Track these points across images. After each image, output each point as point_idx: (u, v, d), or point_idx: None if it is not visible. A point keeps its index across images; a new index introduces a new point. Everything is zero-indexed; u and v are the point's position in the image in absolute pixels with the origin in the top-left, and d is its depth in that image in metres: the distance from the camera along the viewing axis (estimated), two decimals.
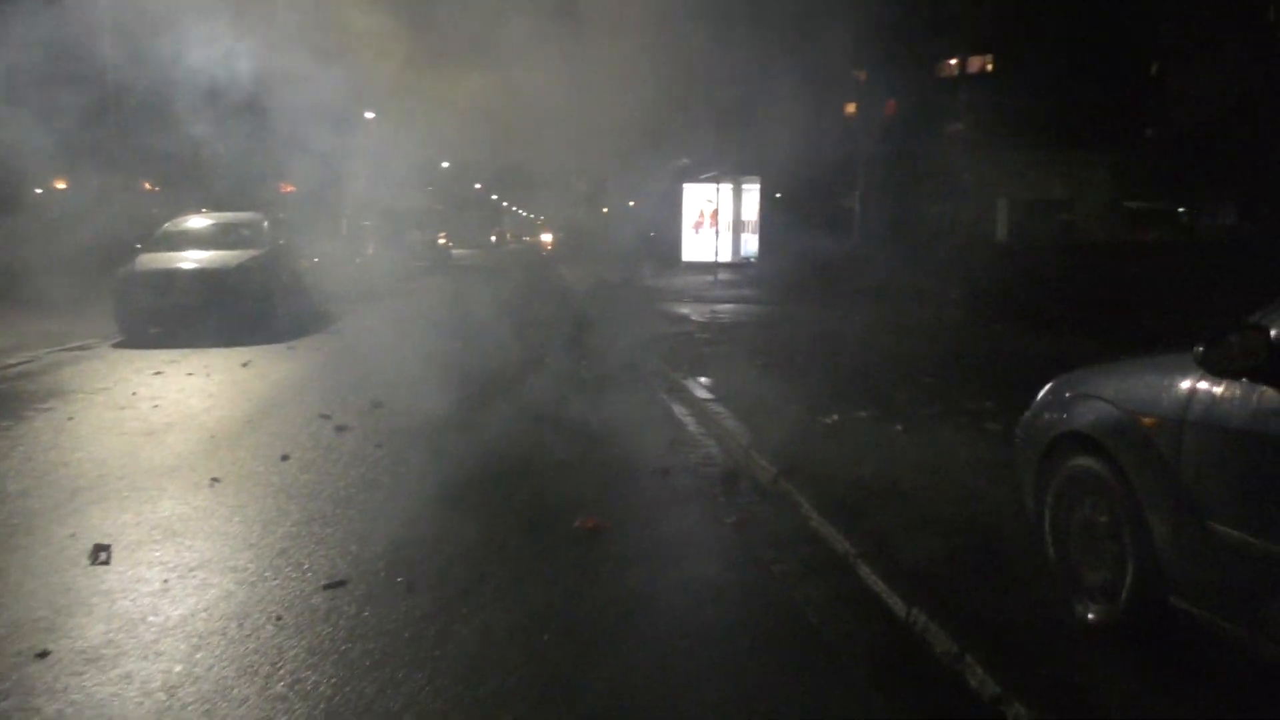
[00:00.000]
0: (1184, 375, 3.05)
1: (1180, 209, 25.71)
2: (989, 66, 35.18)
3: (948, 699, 3.18)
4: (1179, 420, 2.99)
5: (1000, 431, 6.65)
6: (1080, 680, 3.14)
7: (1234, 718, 2.95)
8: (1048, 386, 4.02)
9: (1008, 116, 22.66)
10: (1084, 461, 3.51)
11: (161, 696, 3.13)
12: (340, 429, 7.04)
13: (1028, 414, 4.12)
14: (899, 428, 6.90)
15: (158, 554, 4.45)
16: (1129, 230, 21.15)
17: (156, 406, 7.96)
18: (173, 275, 12.54)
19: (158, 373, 9.68)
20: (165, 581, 4.11)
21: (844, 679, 3.32)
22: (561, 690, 3.20)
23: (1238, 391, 2.79)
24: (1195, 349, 2.93)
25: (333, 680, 3.23)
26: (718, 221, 25.01)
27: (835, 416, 7.24)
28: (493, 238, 64.60)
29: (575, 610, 3.87)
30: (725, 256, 24.81)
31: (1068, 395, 3.77)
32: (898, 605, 3.85)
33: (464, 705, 3.09)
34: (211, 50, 11.50)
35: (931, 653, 3.49)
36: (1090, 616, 3.46)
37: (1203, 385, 2.95)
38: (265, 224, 14.27)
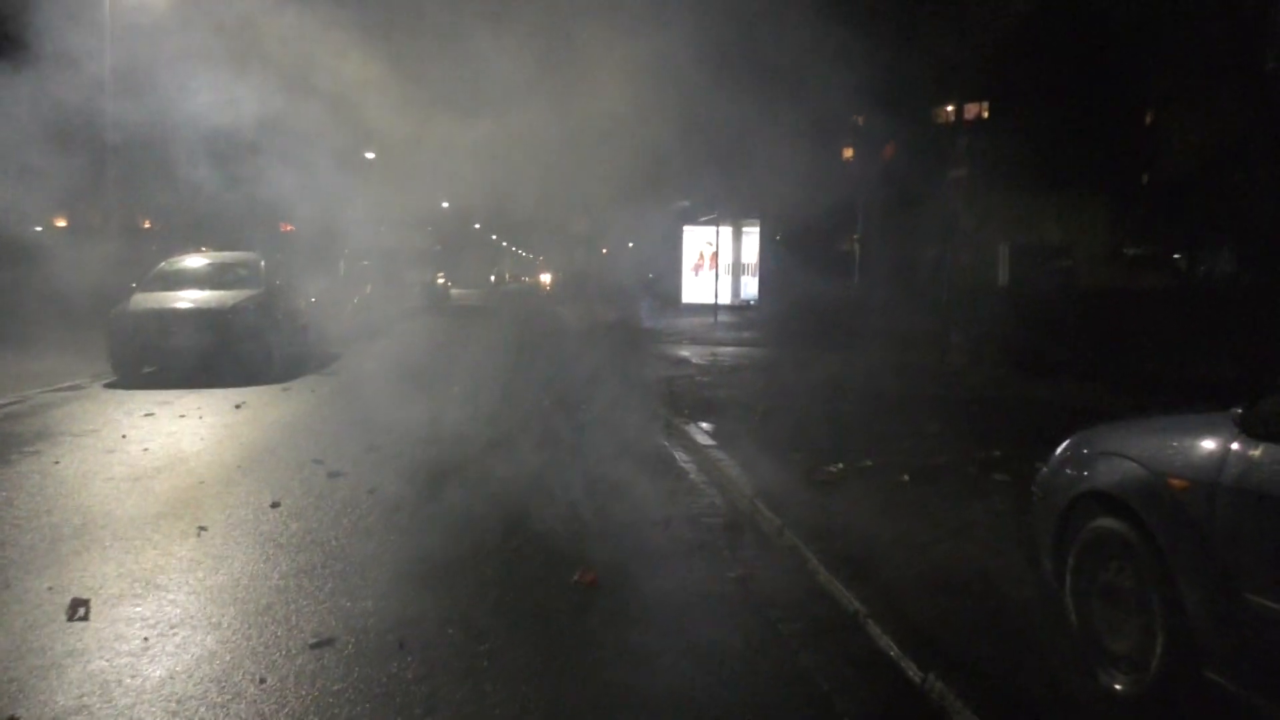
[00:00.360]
0: (1216, 436, 2.91)
1: (1175, 255, 25.78)
2: (984, 113, 35.46)
3: None
4: (1212, 484, 2.84)
5: (1009, 483, 6.50)
6: None
7: None
8: (1067, 442, 3.87)
9: (1005, 162, 22.76)
10: (1108, 523, 3.36)
11: None
12: (333, 475, 6.87)
13: (1045, 470, 3.97)
14: (905, 477, 6.74)
15: (138, 609, 4.26)
16: (1127, 276, 21.12)
17: (146, 450, 7.79)
18: (168, 315, 12.41)
19: (149, 414, 9.51)
20: (145, 640, 3.93)
21: None
22: None
23: (1278, 456, 2.64)
24: (1234, 411, 2.79)
25: None
26: (717, 264, 25.00)
27: (840, 465, 7.08)
28: (492, 278, 64.69)
29: (574, 674, 3.69)
30: (725, 299, 24.78)
31: (1089, 452, 3.62)
32: (912, 670, 3.67)
33: None
34: (212, 91, 11.47)
35: None
36: (1117, 687, 3.29)
37: (1237, 448, 2.80)
38: (262, 264, 14.17)
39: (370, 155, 20.72)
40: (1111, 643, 3.36)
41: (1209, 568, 2.86)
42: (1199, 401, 3.44)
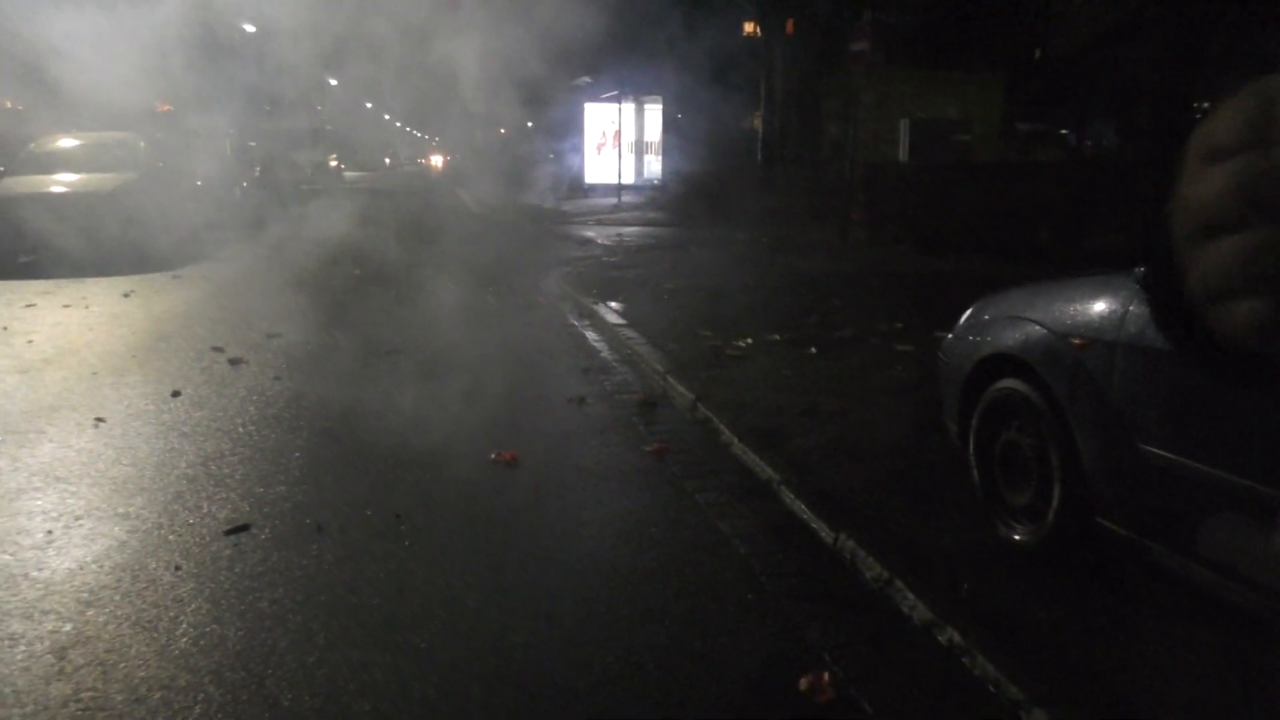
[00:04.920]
0: (1115, 297, 3.02)
1: (1063, 130, 26.51)
2: None
3: (881, 625, 3.16)
4: (1112, 342, 2.97)
5: (912, 352, 6.71)
6: (1010, 602, 3.15)
7: (1159, 630, 2.99)
8: (972, 308, 3.98)
9: (904, 36, 22.75)
10: (1011, 384, 3.49)
11: (50, 660, 2.88)
12: (235, 362, 6.68)
13: (951, 336, 4.09)
14: (812, 350, 6.88)
15: (39, 503, 4.12)
16: (1021, 151, 21.60)
17: (31, 342, 7.42)
18: (42, 200, 11.68)
19: (30, 305, 9.04)
20: (49, 532, 3.81)
21: (776, 610, 3.27)
22: (486, 640, 3.06)
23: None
24: (1135, 271, 2.89)
25: (240, 633, 3.03)
26: (620, 143, 24.57)
27: (749, 340, 7.19)
28: (386, 160, 62.44)
29: (496, 549, 3.73)
30: (629, 178, 24.47)
31: (993, 317, 3.73)
32: (824, 532, 3.82)
33: (383, 656, 2.93)
34: None
35: (861, 579, 3.47)
36: (1016, 537, 3.48)
37: (1135, 307, 2.92)
38: (142, 144, 13.39)
39: (250, 29, 19.51)
40: (1011, 497, 3.54)
41: (1105, 422, 3.01)
42: (1092, 269, 3.56)
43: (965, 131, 17.85)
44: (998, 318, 3.69)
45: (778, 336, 7.31)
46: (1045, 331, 3.29)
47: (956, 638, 2.95)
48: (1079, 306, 3.16)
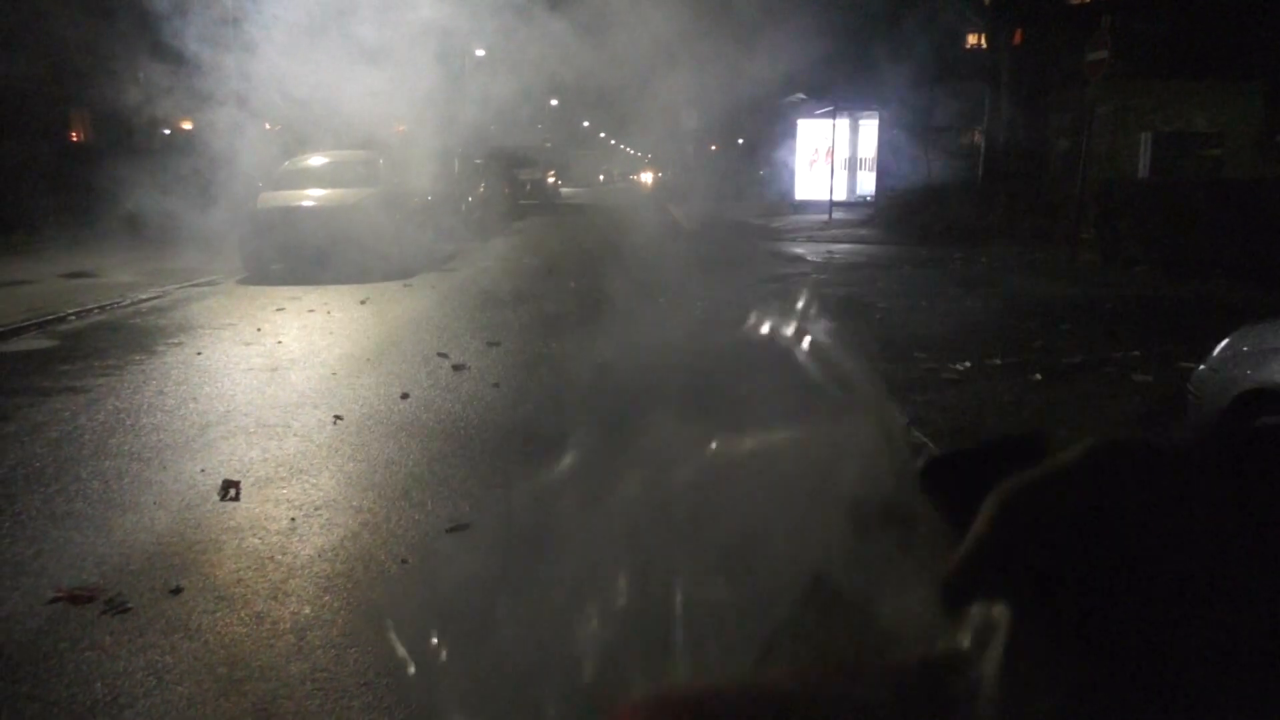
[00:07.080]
0: None
1: None
2: None
3: None
4: None
5: (1152, 384, 6.22)
6: None
7: None
8: (1229, 339, 3.63)
9: (1147, 44, 21.19)
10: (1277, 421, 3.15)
11: (291, 639, 3.10)
12: (457, 368, 7.02)
13: (1203, 368, 3.74)
14: (1038, 377, 6.50)
15: (284, 492, 4.46)
16: None
17: (280, 343, 8.09)
18: (294, 213, 12.74)
19: (280, 309, 9.86)
20: (292, 520, 4.11)
21: None
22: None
23: None
24: None
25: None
26: (833, 158, 24.22)
27: (967, 363, 6.87)
28: (601, 176, 64.38)
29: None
30: (840, 195, 24.06)
31: (1254, 348, 3.39)
32: None
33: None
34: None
35: None
36: None
37: None
38: (381, 162, 14.38)
39: (481, 53, 20.60)
40: None
41: None
42: None
43: (1216, 145, 16.50)
44: (1261, 349, 3.34)
45: (999, 361, 6.96)
46: None
47: None
48: None
